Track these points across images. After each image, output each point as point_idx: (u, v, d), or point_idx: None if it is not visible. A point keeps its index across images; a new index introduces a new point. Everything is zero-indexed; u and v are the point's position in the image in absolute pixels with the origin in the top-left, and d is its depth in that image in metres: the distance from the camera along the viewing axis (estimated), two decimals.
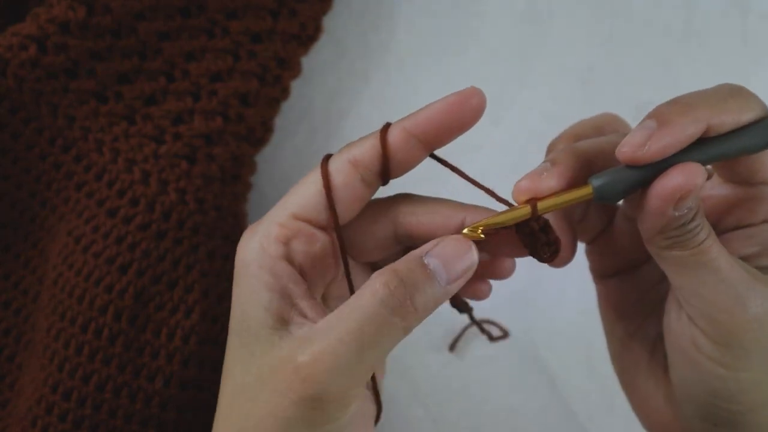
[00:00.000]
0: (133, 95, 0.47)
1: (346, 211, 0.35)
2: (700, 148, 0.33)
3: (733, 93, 0.33)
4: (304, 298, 0.34)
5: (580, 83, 0.54)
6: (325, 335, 0.32)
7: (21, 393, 0.47)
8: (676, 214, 0.32)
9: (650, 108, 0.33)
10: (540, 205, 0.34)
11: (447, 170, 0.36)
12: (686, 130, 0.32)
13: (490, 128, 0.54)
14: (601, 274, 0.42)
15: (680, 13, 0.54)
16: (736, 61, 0.54)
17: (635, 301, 0.41)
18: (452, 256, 0.33)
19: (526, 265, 0.38)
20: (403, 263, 0.33)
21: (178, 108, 0.47)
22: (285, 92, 0.50)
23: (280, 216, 0.34)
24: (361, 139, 0.35)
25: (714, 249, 0.33)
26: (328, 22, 0.52)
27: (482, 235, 0.34)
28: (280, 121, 0.51)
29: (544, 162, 0.35)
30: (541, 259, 0.35)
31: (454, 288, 0.33)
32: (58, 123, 0.47)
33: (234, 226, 0.48)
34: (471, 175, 0.36)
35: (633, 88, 0.54)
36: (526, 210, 0.34)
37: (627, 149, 0.32)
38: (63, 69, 0.46)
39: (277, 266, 0.34)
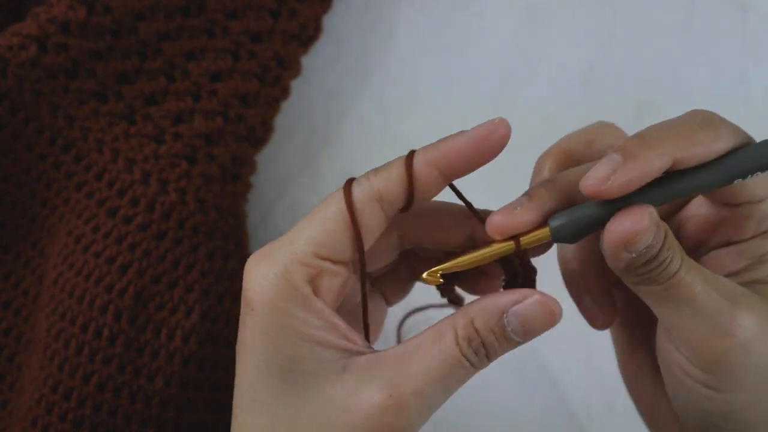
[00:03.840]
0: (133, 95, 0.47)
1: (366, 244, 0.34)
2: (668, 182, 0.32)
3: (704, 124, 0.32)
4: (348, 329, 0.34)
5: (580, 83, 0.54)
6: (410, 377, 0.32)
7: (21, 393, 0.47)
8: (633, 255, 0.32)
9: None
10: (497, 246, 0.33)
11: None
12: (651, 164, 0.31)
13: None
14: None
15: (680, 13, 0.54)
16: (736, 61, 0.54)
17: (640, 310, 0.40)
18: (533, 321, 0.33)
19: None
20: (484, 320, 0.33)
21: (178, 108, 0.47)
22: (285, 92, 0.50)
23: (303, 255, 0.33)
24: (384, 168, 0.34)
25: (687, 280, 0.33)
26: (328, 22, 0.52)
27: (441, 280, 0.34)
28: (280, 121, 0.51)
29: (522, 196, 0.34)
30: (517, 286, 0.35)
31: (531, 339, 0.33)
32: (58, 123, 0.47)
33: (234, 226, 0.48)
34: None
35: (633, 87, 0.54)
36: (506, 247, 0.33)
37: (591, 182, 0.31)
38: (63, 69, 0.46)
39: (314, 302, 0.33)
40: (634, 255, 0.32)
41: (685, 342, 0.34)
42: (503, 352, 0.33)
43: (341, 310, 0.36)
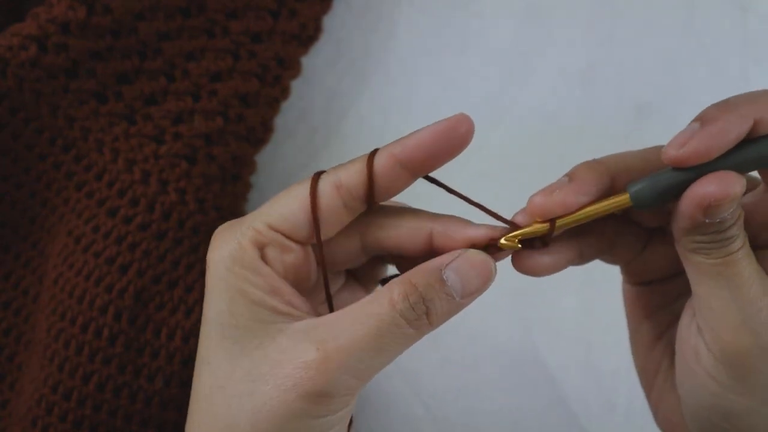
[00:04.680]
0: (133, 95, 0.47)
1: (325, 232, 0.35)
2: (749, 148, 0.32)
3: None
4: (294, 295, 0.34)
5: (580, 83, 0.54)
6: (338, 334, 0.32)
7: (21, 393, 0.47)
8: (707, 221, 0.31)
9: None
10: (571, 216, 0.33)
11: (440, 188, 0.36)
12: (730, 128, 0.31)
13: (490, 129, 0.54)
14: (633, 282, 0.41)
15: (680, 13, 0.54)
16: (736, 61, 0.54)
17: (665, 305, 0.40)
18: (471, 273, 0.33)
19: None
20: (422, 276, 0.33)
21: (178, 108, 0.47)
22: (285, 92, 0.50)
23: (257, 223, 0.34)
24: (350, 161, 0.35)
25: (740, 265, 0.32)
26: (328, 22, 0.52)
27: (519, 245, 0.34)
28: (280, 121, 0.51)
29: (563, 176, 0.34)
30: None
31: (468, 302, 0.34)
32: (58, 123, 0.47)
33: None
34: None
35: (633, 88, 0.54)
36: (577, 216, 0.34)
37: (671, 150, 0.31)
38: (63, 69, 0.46)
39: (260, 266, 0.34)
40: (709, 220, 0.31)
41: (711, 326, 0.33)
42: (445, 312, 0.33)
43: (315, 299, 0.37)
